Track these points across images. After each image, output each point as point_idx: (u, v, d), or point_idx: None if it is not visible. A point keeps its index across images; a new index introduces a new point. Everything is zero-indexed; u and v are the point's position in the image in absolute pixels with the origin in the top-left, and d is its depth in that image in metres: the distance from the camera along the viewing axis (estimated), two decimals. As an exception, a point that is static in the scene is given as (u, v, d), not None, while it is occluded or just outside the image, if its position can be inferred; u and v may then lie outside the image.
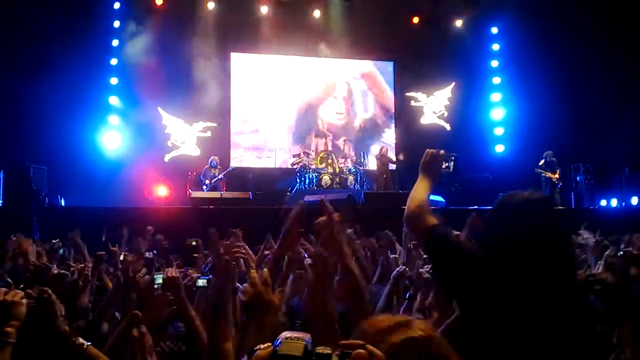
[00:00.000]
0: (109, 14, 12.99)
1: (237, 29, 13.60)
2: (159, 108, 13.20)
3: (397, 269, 3.28)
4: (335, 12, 13.68)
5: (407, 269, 3.24)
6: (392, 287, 3.20)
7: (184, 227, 6.94)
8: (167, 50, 12.71)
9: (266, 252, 3.83)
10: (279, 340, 0.89)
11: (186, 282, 2.74)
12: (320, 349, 0.88)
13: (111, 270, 3.79)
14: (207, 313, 2.25)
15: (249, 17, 13.68)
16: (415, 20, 14.51)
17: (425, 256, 3.68)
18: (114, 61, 13.03)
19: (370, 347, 0.90)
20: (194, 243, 4.25)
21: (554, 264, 1.67)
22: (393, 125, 14.88)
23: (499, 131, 14.75)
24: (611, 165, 12.47)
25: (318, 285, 1.72)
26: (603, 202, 12.15)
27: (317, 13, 14.06)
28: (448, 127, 14.88)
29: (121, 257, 4.07)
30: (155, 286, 2.60)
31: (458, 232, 2.69)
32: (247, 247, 4.47)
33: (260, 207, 10.22)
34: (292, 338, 0.89)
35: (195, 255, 4.47)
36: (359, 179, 12.36)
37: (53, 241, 4.51)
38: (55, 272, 2.91)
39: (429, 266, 3.06)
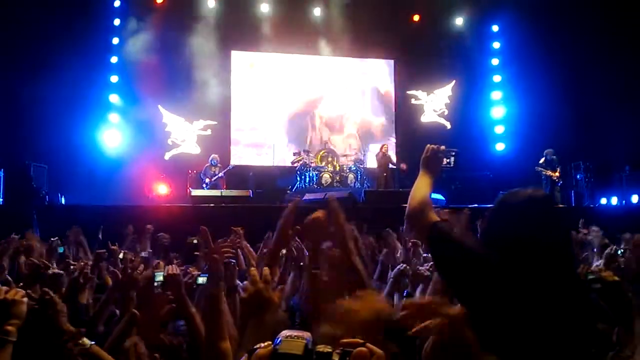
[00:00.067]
0: (109, 12, 12.99)
1: (238, 27, 13.59)
2: (159, 106, 13.20)
3: (397, 267, 3.28)
4: (335, 10, 13.66)
5: (407, 267, 3.24)
6: (392, 285, 3.20)
7: (184, 225, 6.94)
8: (167, 48, 12.71)
9: (266, 250, 3.84)
10: (279, 339, 0.89)
11: (187, 280, 2.74)
12: (321, 348, 0.88)
13: (111, 268, 3.80)
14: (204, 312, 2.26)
15: (250, 15, 13.68)
16: (416, 18, 14.49)
17: (424, 255, 3.68)
18: (114, 59, 13.03)
19: (370, 345, 0.89)
20: (195, 241, 4.25)
21: (555, 262, 1.67)
22: (393, 124, 14.87)
23: (499, 129, 14.74)
24: (611, 164, 12.46)
25: (332, 286, 1.74)
26: (603, 201, 12.14)
27: (317, 11, 14.05)
28: (448, 125, 14.87)
29: (120, 255, 4.07)
30: (156, 284, 2.60)
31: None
32: (248, 245, 4.49)
33: (261, 205, 10.23)
34: (292, 337, 0.88)
35: (196, 253, 4.47)
36: (359, 177, 12.35)
37: (52, 239, 4.50)
38: (51, 272, 2.91)
39: (429, 264, 3.06)
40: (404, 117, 14.83)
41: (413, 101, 14.94)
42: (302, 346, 0.87)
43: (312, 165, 12.38)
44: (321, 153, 12.96)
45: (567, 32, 12.49)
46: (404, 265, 3.25)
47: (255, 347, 0.90)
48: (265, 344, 0.90)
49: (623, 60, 12.04)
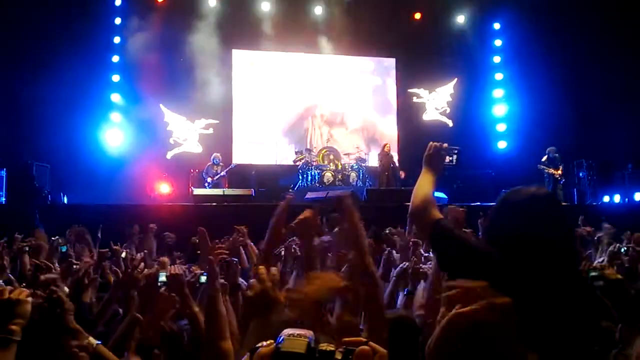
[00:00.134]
0: (110, 11, 13.01)
1: (239, 26, 13.59)
2: (160, 105, 13.21)
3: (400, 266, 3.28)
4: (336, 8, 13.66)
5: (409, 265, 3.24)
6: (395, 284, 3.20)
7: (187, 224, 6.95)
8: (168, 48, 12.71)
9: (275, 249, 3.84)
10: (281, 338, 0.88)
11: (189, 279, 2.75)
12: (324, 346, 0.88)
13: (113, 268, 3.81)
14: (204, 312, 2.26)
15: (251, 14, 13.69)
16: (417, 16, 14.48)
17: (425, 254, 3.68)
18: (115, 58, 13.04)
19: (372, 343, 0.90)
20: (197, 240, 4.24)
21: (558, 260, 1.67)
22: (395, 122, 14.86)
23: (501, 127, 14.72)
24: (614, 162, 12.44)
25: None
26: (606, 198, 12.11)
27: (318, 10, 14.05)
28: (450, 123, 14.86)
29: (123, 255, 4.07)
30: (159, 283, 2.61)
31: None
32: (252, 243, 4.49)
33: (263, 204, 10.22)
34: (294, 335, 0.88)
35: (199, 252, 4.47)
36: (361, 175, 12.34)
37: (52, 238, 4.51)
38: (43, 278, 2.90)
39: (430, 263, 3.06)
40: (405, 115, 14.82)
41: (415, 99, 14.93)
42: (305, 344, 0.87)
43: (314, 163, 12.37)
44: (323, 152, 12.96)
45: (569, 29, 12.46)
46: (406, 263, 3.25)
47: (257, 345, 0.90)
48: (268, 342, 0.90)
49: (626, 58, 12.01)
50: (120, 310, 2.88)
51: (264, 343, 0.90)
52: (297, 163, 12.42)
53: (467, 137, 13.00)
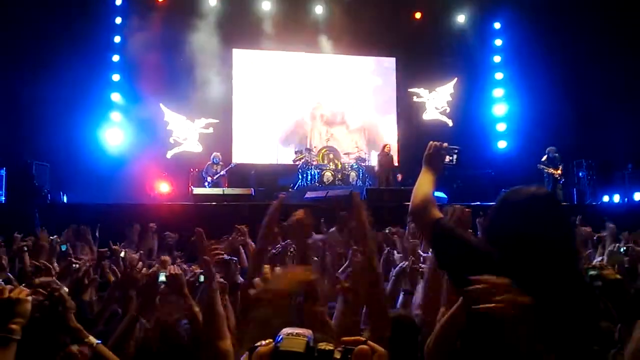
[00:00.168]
0: (111, 11, 13.02)
1: (239, 25, 13.59)
2: (161, 104, 13.21)
3: (399, 265, 3.28)
4: (336, 8, 13.66)
5: (408, 265, 3.23)
6: (394, 284, 3.20)
7: (186, 223, 6.95)
8: (169, 47, 12.71)
9: (268, 248, 3.84)
10: (280, 337, 0.88)
11: (189, 278, 2.75)
12: (323, 345, 0.88)
13: (112, 267, 3.81)
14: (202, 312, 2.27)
15: (251, 13, 13.70)
16: (417, 15, 14.49)
17: (423, 254, 3.68)
18: (115, 58, 13.05)
19: (371, 343, 0.90)
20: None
21: (558, 260, 1.67)
22: (395, 121, 14.86)
23: (501, 127, 14.72)
24: (614, 161, 12.44)
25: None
26: (605, 198, 12.12)
27: (319, 9, 14.05)
28: (450, 123, 14.86)
29: (122, 254, 4.07)
30: (159, 283, 2.60)
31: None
32: (252, 242, 4.49)
33: (262, 203, 10.21)
34: (293, 334, 0.88)
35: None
36: (361, 175, 12.34)
37: (50, 237, 4.51)
38: (37, 282, 2.90)
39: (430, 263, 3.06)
40: (405, 114, 14.82)
41: (415, 99, 14.93)
42: (304, 344, 0.87)
43: (314, 163, 12.37)
44: (323, 151, 12.96)
45: (569, 29, 12.45)
46: (405, 263, 3.25)
47: (256, 344, 0.90)
48: (267, 341, 0.90)
49: (626, 57, 12.00)
50: (120, 310, 2.89)
51: (263, 342, 0.90)
52: (297, 162, 12.42)
53: (467, 137, 13.00)
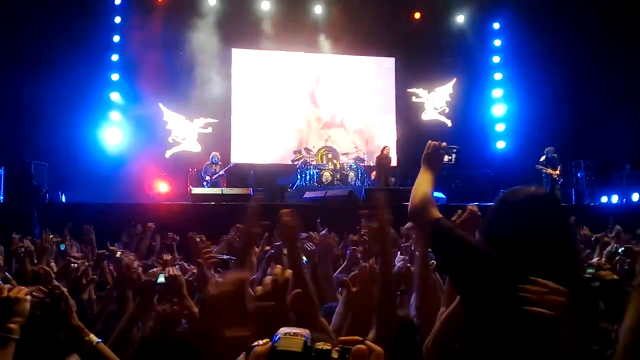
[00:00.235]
0: (110, 10, 13.00)
1: (239, 25, 13.59)
2: (159, 104, 13.21)
3: (397, 266, 3.27)
4: (336, 8, 13.66)
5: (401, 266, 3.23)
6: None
7: (185, 223, 6.95)
8: (168, 47, 12.72)
9: (267, 248, 3.84)
10: (277, 336, 0.88)
11: (187, 278, 2.75)
12: (320, 345, 0.87)
13: (111, 267, 3.81)
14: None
15: (250, 13, 13.69)
16: (417, 16, 14.49)
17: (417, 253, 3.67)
18: (114, 57, 13.05)
19: (369, 342, 0.90)
20: (197, 239, 4.24)
21: (558, 260, 1.67)
22: (394, 122, 14.86)
23: (500, 127, 14.74)
24: (612, 162, 12.46)
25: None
26: (604, 199, 12.14)
27: (318, 9, 14.05)
28: (449, 123, 14.87)
29: (118, 254, 4.06)
30: (158, 285, 2.60)
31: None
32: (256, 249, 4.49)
33: (261, 203, 10.20)
34: (291, 334, 0.88)
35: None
36: (359, 175, 12.35)
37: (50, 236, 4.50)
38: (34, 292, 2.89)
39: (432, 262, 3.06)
40: (404, 115, 14.82)
41: (414, 99, 14.94)
42: (301, 343, 0.86)
43: (313, 163, 12.37)
44: (322, 151, 12.95)
45: (568, 29, 12.47)
46: (401, 263, 3.24)
47: (253, 344, 0.90)
48: (264, 341, 0.90)
49: (624, 58, 12.02)
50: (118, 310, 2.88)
51: (260, 342, 0.90)
52: (296, 162, 12.42)
53: (466, 137, 13.01)
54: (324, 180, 12.00)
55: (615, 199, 12.09)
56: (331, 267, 3.46)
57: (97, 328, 2.63)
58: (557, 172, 11.57)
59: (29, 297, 1.73)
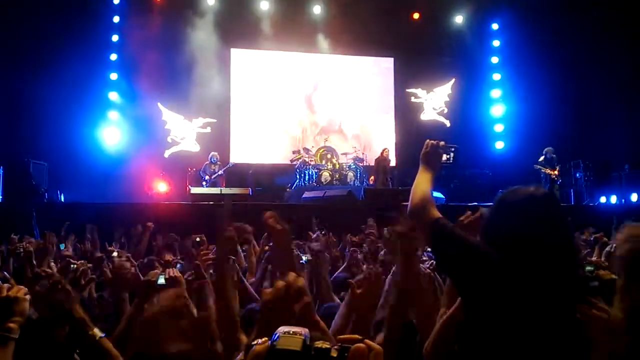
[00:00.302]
0: (109, 10, 12.98)
1: (237, 25, 13.58)
2: (158, 104, 13.20)
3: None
4: (335, 8, 13.66)
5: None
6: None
7: (184, 223, 6.94)
8: (166, 46, 12.70)
9: (267, 248, 3.84)
10: (276, 335, 0.88)
11: (186, 278, 2.75)
12: (319, 344, 0.87)
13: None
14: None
15: (249, 13, 13.68)
16: (416, 16, 14.48)
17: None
18: (113, 56, 13.03)
19: (368, 341, 0.90)
20: (197, 239, 4.24)
21: (556, 260, 1.67)
22: (393, 122, 14.86)
23: (498, 128, 14.75)
24: (611, 162, 12.46)
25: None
26: (602, 199, 12.14)
27: (317, 9, 14.05)
28: (448, 123, 14.88)
29: (114, 254, 4.05)
30: (158, 286, 2.60)
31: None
32: (255, 243, 4.49)
33: (260, 203, 10.22)
34: (290, 333, 0.88)
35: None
36: (358, 175, 12.35)
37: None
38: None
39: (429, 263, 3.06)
40: (403, 115, 14.83)
41: (413, 99, 14.94)
42: (301, 342, 0.86)
43: (312, 163, 12.37)
44: (320, 151, 12.94)
45: (567, 30, 12.48)
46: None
47: (252, 343, 0.90)
48: (262, 340, 0.90)
49: (623, 59, 12.03)
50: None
51: (259, 341, 0.90)
52: (295, 162, 12.42)
53: (465, 137, 12.99)
54: (322, 180, 12.00)
55: (614, 199, 12.10)
56: (328, 268, 3.47)
57: (97, 326, 2.63)
58: (556, 172, 11.57)
59: (28, 297, 1.73)
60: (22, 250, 3.92)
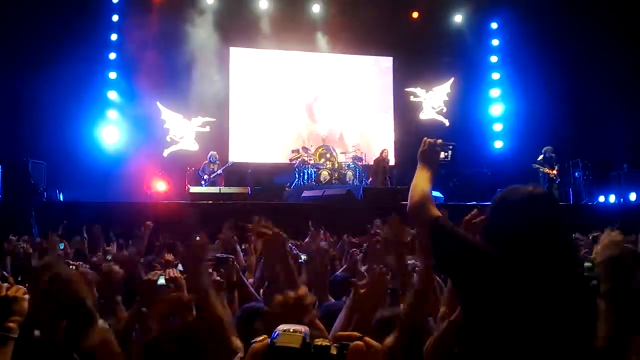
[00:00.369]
0: (108, 9, 12.96)
1: (237, 24, 13.57)
2: (157, 103, 13.18)
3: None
4: (334, 7, 13.66)
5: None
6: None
7: (183, 222, 6.95)
8: (165, 45, 12.68)
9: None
10: (276, 333, 0.88)
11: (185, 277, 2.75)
12: (319, 341, 0.88)
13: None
14: None
15: (248, 12, 13.67)
16: (415, 15, 14.48)
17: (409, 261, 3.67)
18: (112, 55, 13.01)
19: (367, 338, 0.90)
20: (197, 238, 4.24)
21: (557, 259, 1.67)
22: (392, 121, 14.86)
23: (497, 127, 14.75)
24: (610, 162, 12.47)
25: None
26: (601, 198, 12.15)
27: (316, 8, 14.04)
28: (447, 122, 14.88)
29: (109, 257, 4.05)
30: (159, 286, 2.60)
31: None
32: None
33: (259, 202, 10.22)
34: (290, 330, 0.88)
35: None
36: (357, 174, 12.35)
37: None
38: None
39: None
40: (402, 114, 14.82)
41: (412, 98, 14.94)
42: (300, 339, 0.87)
43: (311, 162, 12.37)
44: (320, 150, 12.94)
45: (566, 29, 12.49)
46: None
47: (251, 341, 0.90)
48: (262, 337, 0.90)
49: (622, 57, 12.04)
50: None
51: (258, 338, 0.90)
52: (294, 161, 12.42)
53: (464, 137, 12.99)
54: (322, 179, 12.00)
55: (612, 198, 12.11)
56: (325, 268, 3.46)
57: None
58: (555, 171, 11.58)
59: (27, 296, 1.73)
60: (22, 251, 3.92)
